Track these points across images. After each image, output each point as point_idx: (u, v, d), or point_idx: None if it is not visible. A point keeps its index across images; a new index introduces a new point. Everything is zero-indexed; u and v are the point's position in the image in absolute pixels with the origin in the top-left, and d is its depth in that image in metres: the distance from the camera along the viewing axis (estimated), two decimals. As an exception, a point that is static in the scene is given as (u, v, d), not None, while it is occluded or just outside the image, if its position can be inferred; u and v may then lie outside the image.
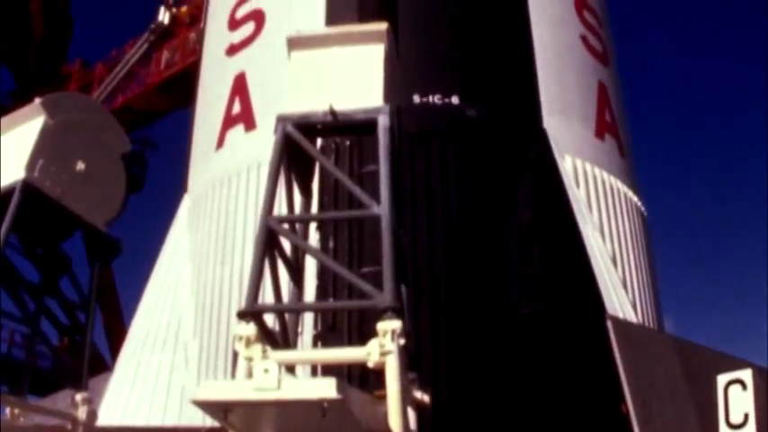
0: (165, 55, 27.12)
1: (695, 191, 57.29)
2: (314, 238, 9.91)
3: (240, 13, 12.71)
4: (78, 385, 9.14)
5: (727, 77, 58.74)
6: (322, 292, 9.78)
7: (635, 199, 12.78)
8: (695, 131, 59.27)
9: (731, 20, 59.43)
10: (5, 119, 10.54)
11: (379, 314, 6.85)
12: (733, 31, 58.79)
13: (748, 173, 54.16)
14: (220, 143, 12.07)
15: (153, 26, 27.89)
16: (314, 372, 8.71)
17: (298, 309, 8.41)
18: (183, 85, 23.08)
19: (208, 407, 6.40)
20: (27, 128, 10.43)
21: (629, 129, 13.93)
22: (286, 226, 8.08)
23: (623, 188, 12.46)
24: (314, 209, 9.23)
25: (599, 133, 12.44)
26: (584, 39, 12.84)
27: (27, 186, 9.80)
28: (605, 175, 12.13)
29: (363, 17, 10.64)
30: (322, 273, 9.78)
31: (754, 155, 54.24)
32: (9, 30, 29.77)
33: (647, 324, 11.71)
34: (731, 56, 58.47)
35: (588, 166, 11.86)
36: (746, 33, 59.40)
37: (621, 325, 10.21)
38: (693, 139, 58.84)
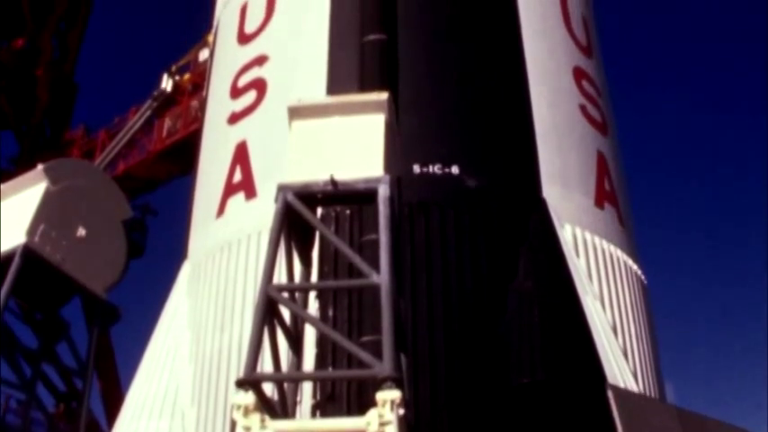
0: (168, 123, 27.36)
1: (695, 257, 57.25)
2: (313, 306, 9.89)
3: (242, 82, 12.85)
4: (74, 454, 9.06)
5: (726, 140, 59.11)
6: (321, 360, 9.71)
7: (635, 267, 12.77)
8: (696, 195, 59.46)
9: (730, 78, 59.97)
10: (8, 184, 10.61)
11: (379, 384, 6.81)
12: (732, 89, 59.28)
13: (749, 239, 54.19)
14: (221, 211, 12.10)
15: (156, 94, 28.19)
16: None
17: (297, 378, 8.37)
18: (185, 153, 23.25)
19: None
20: (29, 193, 10.50)
21: (629, 197, 13.99)
22: (286, 295, 8.08)
23: (623, 257, 12.46)
24: (314, 277, 9.23)
25: (599, 202, 12.48)
26: (583, 109, 12.96)
27: (27, 251, 9.84)
28: (605, 243, 12.14)
29: (364, 87, 10.77)
30: (321, 341, 9.72)
31: (753, 221, 54.31)
32: (14, 95, 30.07)
33: (648, 393, 11.62)
34: (731, 117, 58.91)
35: (588, 235, 11.88)
36: (746, 91, 59.93)
37: (623, 395, 10.13)
38: (694, 202, 58.99)
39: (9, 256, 9.92)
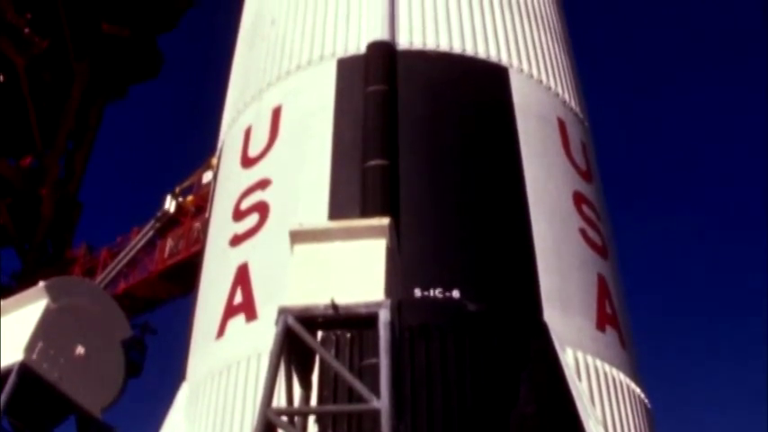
0: (170, 243, 27.58)
1: (699, 380, 56.71)
2: (313, 430, 9.78)
3: (245, 205, 12.99)
4: None
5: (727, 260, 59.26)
6: (320, 486, 9.55)
7: (638, 390, 12.64)
8: (699, 316, 59.29)
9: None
10: (9, 300, 10.63)
11: None
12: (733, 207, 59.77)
13: (751, 362, 53.77)
14: (221, 332, 12.07)
15: (159, 214, 28.50)
16: None
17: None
18: (186, 274, 23.32)
19: None
20: (29, 310, 10.50)
21: (630, 320, 13.96)
22: (285, 418, 8.01)
23: (626, 380, 12.36)
24: (313, 401, 9.16)
25: (600, 326, 12.44)
26: (583, 232, 13.05)
27: (24, 369, 9.77)
28: (607, 367, 12.06)
29: (366, 212, 10.91)
30: (320, 467, 9.58)
31: (754, 346, 53.98)
32: (19, 212, 30.38)
33: None
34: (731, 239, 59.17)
35: (590, 359, 11.81)
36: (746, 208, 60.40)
37: None
38: (696, 323, 58.76)
39: (5, 374, 9.87)
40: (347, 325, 9.05)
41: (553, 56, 14.83)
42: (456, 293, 11.09)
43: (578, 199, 13.32)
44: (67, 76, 32.93)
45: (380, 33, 13.30)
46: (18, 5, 31.13)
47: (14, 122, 31.13)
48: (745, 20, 60.14)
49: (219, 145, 15.37)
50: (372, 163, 11.83)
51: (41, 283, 10.60)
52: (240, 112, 14.56)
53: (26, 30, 30.87)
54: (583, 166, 13.99)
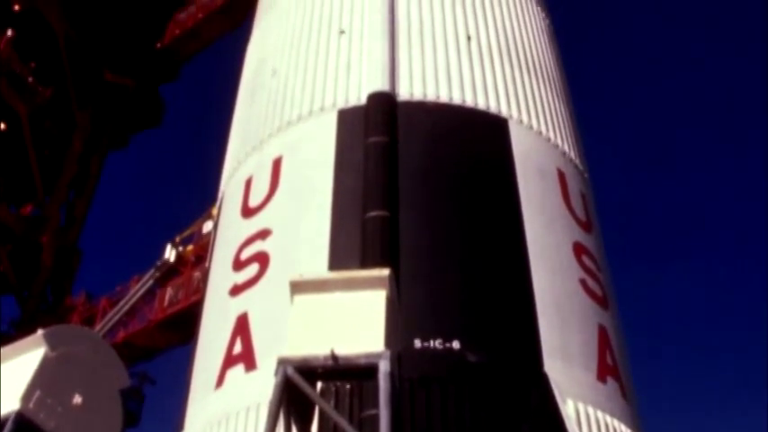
0: (169, 292, 27.55)
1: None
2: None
3: (245, 255, 13.00)
4: None
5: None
6: None
7: (639, 441, 12.58)
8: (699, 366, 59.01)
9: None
10: (7, 348, 10.59)
11: None
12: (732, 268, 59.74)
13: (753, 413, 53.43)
14: (220, 382, 12.01)
15: (159, 263, 28.51)
16: None
17: None
18: (185, 323, 23.28)
19: None
20: (27, 358, 10.46)
21: (631, 370, 13.91)
22: (284, 471, 7.95)
23: (627, 431, 12.28)
24: (312, 453, 9.09)
25: (601, 376, 12.39)
26: (583, 283, 13.05)
27: (20, 418, 9.70)
28: (608, 418, 11.98)
29: (366, 263, 10.92)
30: None
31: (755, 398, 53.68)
32: (19, 260, 30.40)
33: None
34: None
35: (591, 410, 11.74)
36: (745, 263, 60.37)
37: None
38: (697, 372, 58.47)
39: (2, 423, 9.81)
40: (347, 376, 9.02)
41: (552, 107, 14.95)
42: (456, 344, 11.06)
43: (578, 250, 13.34)
44: (70, 124, 33.15)
45: (381, 84, 13.41)
46: (23, 54, 31.43)
47: (16, 170, 31.27)
48: (745, 85, 60.74)
49: (220, 195, 15.43)
50: (372, 214, 11.86)
51: (40, 331, 10.57)
52: (241, 163, 14.64)
53: (30, 78, 31.13)
54: (582, 217, 14.03)
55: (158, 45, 35.01)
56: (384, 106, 13.16)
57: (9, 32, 30.71)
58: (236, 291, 12.75)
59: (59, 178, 32.70)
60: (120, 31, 34.32)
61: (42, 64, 32.34)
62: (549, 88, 15.26)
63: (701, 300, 61.31)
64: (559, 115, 15.05)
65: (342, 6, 15.12)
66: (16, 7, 31.79)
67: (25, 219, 31.49)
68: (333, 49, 14.49)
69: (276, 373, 8.30)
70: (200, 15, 34.62)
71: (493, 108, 13.78)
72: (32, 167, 31.21)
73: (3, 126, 30.98)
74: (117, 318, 28.70)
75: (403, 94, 13.48)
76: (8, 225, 30.18)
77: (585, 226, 14.00)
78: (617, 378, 12.72)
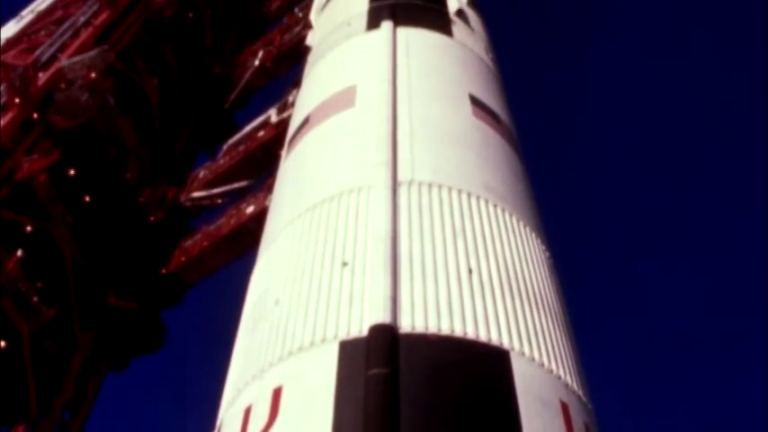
0: None
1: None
2: None
3: None
4: None
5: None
6: None
7: None
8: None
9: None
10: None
11: None
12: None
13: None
14: None
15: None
16: None
17: None
18: None
19: None
20: None
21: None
22: None
23: None
24: None
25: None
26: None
27: None
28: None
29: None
30: None
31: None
32: None
33: None
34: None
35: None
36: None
37: None
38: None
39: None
40: None
41: (554, 339, 14.99)
42: None
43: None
44: (71, 345, 33.11)
45: (383, 316, 13.50)
46: (30, 274, 31.82)
47: (12, 389, 30.93)
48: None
49: (218, 424, 15.20)
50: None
51: None
52: (240, 392, 14.51)
53: (35, 298, 31.36)
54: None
55: (163, 271, 35.56)
56: (386, 338, 13.20)
57: (19, 252, 31.21)
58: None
59: (55, 399, 32.29)
60: (127, 257, 34.96)
61: (48, 284, 32.69)
62: (550, 319, 15.36)
63: None
64: (561, 347, 15.06)
65: (345, 238, 15.46)
66: (28, 228, 32.49)
67: (16, 442, 30.84)
68: (335, 281, 14.69)
69: None
70: (206, 244, 35.39)
71: (494, 340, 13.82)
72: (29, 387, 30.88)
73: (3, 344, 30.90)
74: None
75: (405, 325, 13.54)
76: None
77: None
78: None
